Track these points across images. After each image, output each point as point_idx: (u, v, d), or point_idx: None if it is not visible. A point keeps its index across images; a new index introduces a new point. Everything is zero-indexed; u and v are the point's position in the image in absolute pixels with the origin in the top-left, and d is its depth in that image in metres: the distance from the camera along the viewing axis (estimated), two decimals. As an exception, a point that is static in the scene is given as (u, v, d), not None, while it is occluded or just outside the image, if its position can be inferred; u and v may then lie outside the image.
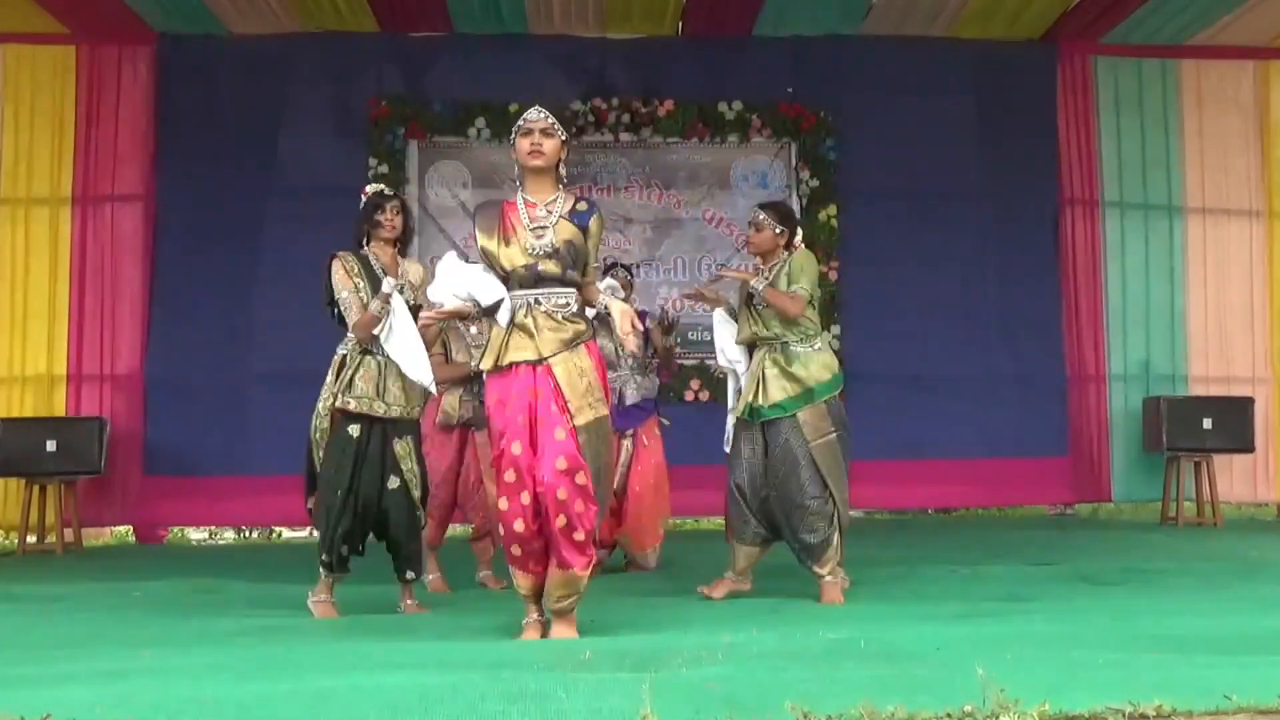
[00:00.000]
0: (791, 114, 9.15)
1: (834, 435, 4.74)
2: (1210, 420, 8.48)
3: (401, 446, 4.63)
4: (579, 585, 3.79)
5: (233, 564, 7.10)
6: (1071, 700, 2.48)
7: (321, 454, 4.56)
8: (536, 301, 3.80)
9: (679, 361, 8.62)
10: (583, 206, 3.91)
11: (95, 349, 8.62)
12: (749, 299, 4.90)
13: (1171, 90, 9.50)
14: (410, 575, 4.71)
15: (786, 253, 4.92)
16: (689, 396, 8.84)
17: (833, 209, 9.10)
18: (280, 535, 9.86)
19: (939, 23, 9.05)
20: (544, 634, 3.84)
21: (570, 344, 3.79)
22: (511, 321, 3.81)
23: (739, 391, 4.93)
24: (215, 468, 8.56)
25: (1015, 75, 9.33)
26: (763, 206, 5.01)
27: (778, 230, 4.92)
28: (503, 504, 3.77)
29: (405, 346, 4.48)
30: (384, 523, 4.63)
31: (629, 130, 9.08)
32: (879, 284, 9.04)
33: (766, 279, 4.87)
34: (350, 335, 4.58)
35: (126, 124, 8.77)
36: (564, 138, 3.88)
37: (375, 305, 4.46)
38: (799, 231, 5.04)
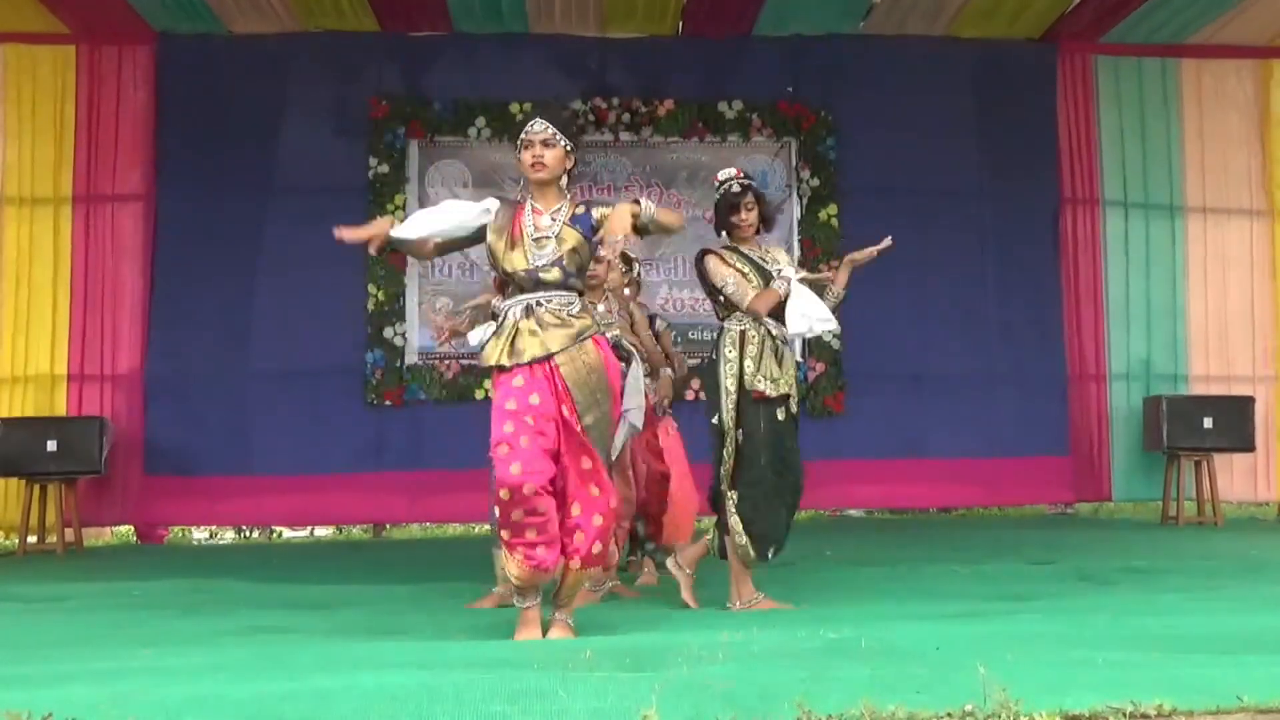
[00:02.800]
0: (792, 113, 9.16)
1: None
2: (1211, 419, 8.48)
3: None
4: (585, 583, 3.83)
5: (233, 564, 7.10)
6: (1073, 699, 2.47)
7: (738, 437, 4.43)
8: (538, 304, 3.81)
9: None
10: (581, 210, 3.89)
11: (96, 349, 8.63)
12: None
13: (1172, 89, 9.51)
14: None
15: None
16: (689, 396, 8.82)
17: (833, 208, 9.11)
18: (281, 535, 9.87)
19: (939, 22, 9.05)
20: (543, 632, 3.83)
21: (577, 338, 3.79)
22: (516, 322, 3.80)
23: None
24: (216, 467, 8.56)
25: (1016, 74, 9.34)
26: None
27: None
28: (527, 488, 3.63)
29: (806, 313, 4.52)
30: None
31: (629, 130, 9.08)
32: (879, 283, 8.97)
33: None
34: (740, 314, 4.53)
35: (127, 123, 8.78)
36: (568, 146, 3.86)
37: (780, 285, 4.48)
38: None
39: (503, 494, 3.65)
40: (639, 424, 4.93)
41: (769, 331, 4.52)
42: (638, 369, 5.02)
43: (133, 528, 8.90)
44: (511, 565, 3.77)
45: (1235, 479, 9.11)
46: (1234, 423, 8.50)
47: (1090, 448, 9.23)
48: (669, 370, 5.89)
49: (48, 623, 4.62)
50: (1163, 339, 9.35)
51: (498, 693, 2.63)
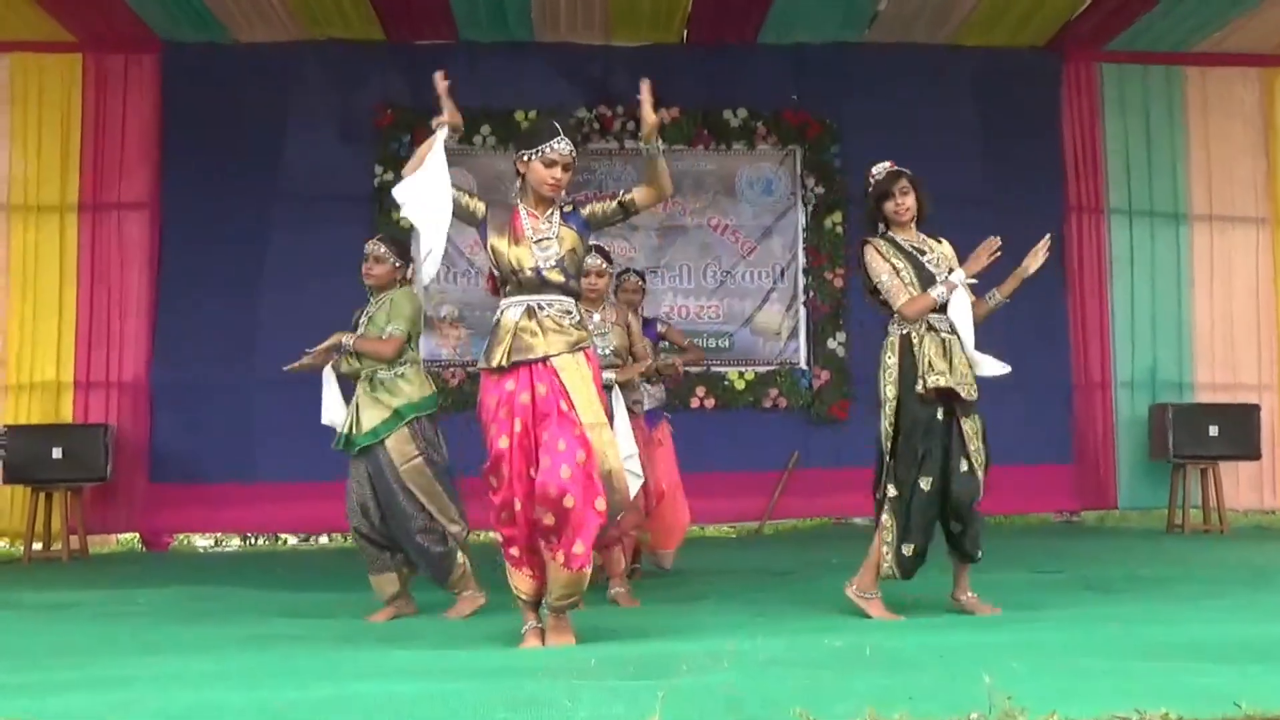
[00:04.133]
0: (796, 121, 9.16)
1: (420, 458, 4.81)
2: (1216, 427, 8.46)
3: (970, 426, 4.54)
4: (580, 586, 3.80)
5: (238, 572, 7.10)
6: (1078, 708, 2.47)
7: (895, 440, 4.42)
8: (540, 307, 3.86)
9: (685, 369, 8.61)
10: (568, 208, 4.03)
11: (101, 356, 8.63)
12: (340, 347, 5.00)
13: (1176, 98, 9.50)
14: (978, 556, 4.56)
15: (399, 286, 5.08)
16: (694, 404, 8.83)
17: (838, 216, 9.10)
18: (286, 542, 9.87)
19: (944, 30, 9.05)
20: (544, 640, 3.83)
21: (574, 347, 3.85)
22: (516, 323, 3.84)
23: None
24: (221, 475, 8.55)
25: (1020, 83, 9.33)
26: (382, 239, 5.12)
27: (396, 264, 5.07)
28: (499, 501, 3.81)
29: (965, 316, 4.47)
30: (943, 508, 4.49)
31: (634, 138, 9.08)
32: (884, 291, 9.03)
33: (370, 314, 5.04)
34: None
35: (133, 132, 8.79)
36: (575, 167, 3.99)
37: (937, 291, 4.41)
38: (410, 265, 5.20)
39: (505, 515, 3.71)
40: (639, 471, 4.92)
41: (930, 326, 4.45)
42: (620, 407, 5.03)
43: (138, 535, 8.90)
44: (519, 581, 3.82)
45: (1241, 487, 9.09)
46: (1239, 431, 8.49)
47: (1095, 456, 9.21)
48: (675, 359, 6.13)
49: (52, 630, 4.63)
50: (1168, 347, 9.33)
51: (502, 700, 2.63)
